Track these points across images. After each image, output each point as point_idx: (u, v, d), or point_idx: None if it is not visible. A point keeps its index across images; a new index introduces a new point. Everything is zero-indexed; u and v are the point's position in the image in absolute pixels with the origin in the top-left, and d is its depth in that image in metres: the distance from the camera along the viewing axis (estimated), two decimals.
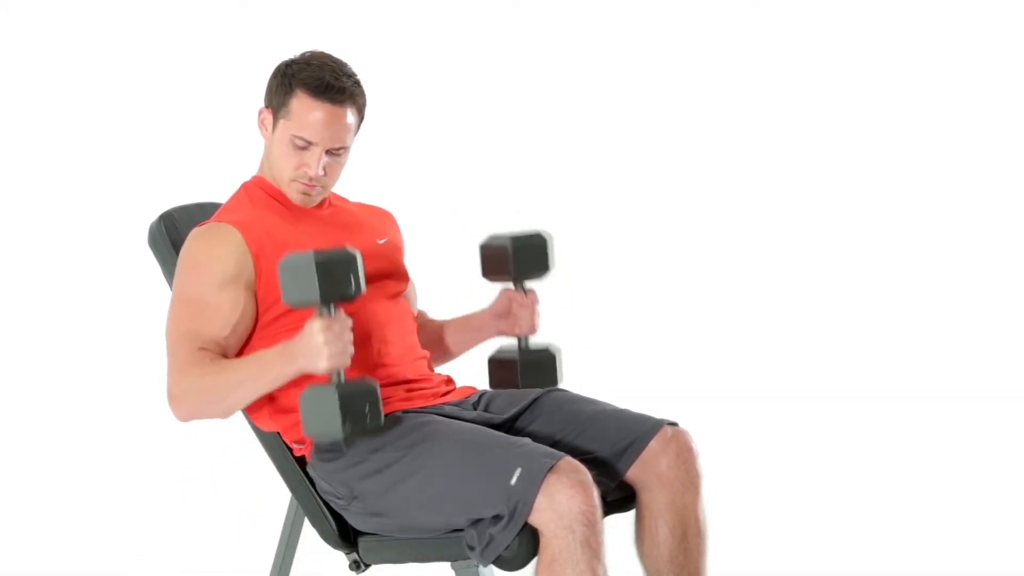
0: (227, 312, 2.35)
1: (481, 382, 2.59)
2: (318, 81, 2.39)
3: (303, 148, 2.41)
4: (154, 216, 2.57)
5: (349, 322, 2.24)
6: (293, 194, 2.46)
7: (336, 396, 2.17)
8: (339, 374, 2.21)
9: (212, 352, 2.34)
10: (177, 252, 2.48)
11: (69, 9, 4.25)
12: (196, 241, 2.40)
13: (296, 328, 2.35)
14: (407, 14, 4.54)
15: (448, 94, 4.59)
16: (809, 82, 4.69)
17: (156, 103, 4.29)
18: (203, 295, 2.35)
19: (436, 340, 2.69)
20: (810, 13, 4.67)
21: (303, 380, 2.36)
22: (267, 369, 2.29)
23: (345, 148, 2.44)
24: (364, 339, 2.42)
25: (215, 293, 2.35)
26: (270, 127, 2.45)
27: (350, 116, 2.42)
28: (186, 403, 2.33)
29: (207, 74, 4.28)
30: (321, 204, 2.53)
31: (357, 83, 2.44)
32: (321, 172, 2.41)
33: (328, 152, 2.41)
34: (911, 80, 4.68)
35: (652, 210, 4.67)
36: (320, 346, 2.20)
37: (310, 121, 2.39)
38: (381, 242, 2.57)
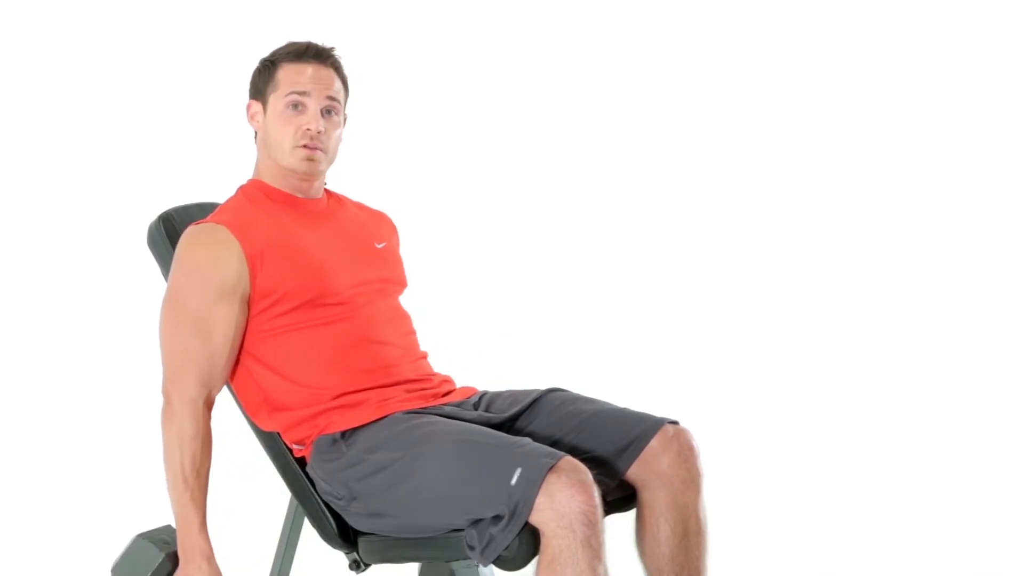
0: (223, 334, 2.37)
1: (481, 382, 2.59)
2: (299, 48, 2.49)
3: (299, 110, 2.46)
4: (153, 216, 2.57)
5: None
6: (296, 161, 2.47)
7: None
8: None
9: (210, 399, 2.39)
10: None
11: (69, 9, 4.25)
12: (193, 243, 2.40)
13: (295, 329, 2.39)
14: (407, 14, 4.54)
15: (449, 95, 4.59)
16: (809, 83, 4.69)
17: (156, 103, 4.29)
18: (199, 307, 2.36)
19: None
20: (810, 13, 4.67)
21: (298, 380, 2.37)
22: (179, 530, 2.40)
23: (338, 104, 2.50)
24: (364, 340, 2.42)
25: (211, 306, 2.36)
26: (261, 114, 2.50)
27: (336, 78, 2.50)
28: (175, 443, 2.38)
29: (207, 74, 4.28)
30: (319, 201, 2.54)
31: (338, 57, 2.52)
32: (320, 127, 2.44)
33: (323, 113, 2.46)
34: (910, 80, 4.68)
35: (652, 210, 4.67)
36: None
37: (299, 78, 2.47)
38: (380, 246, 2.58)
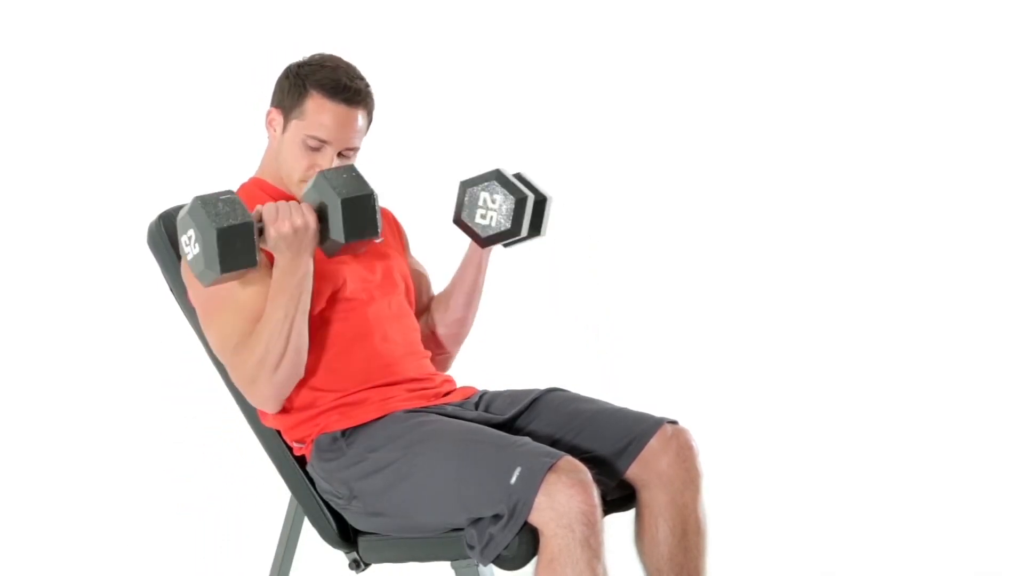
0: (261, 304, 2.33)
1: (481, 382, 2.59)
2: (333, 83, 2.41)
3: (315, 149, 2.42)
4: (153, 216, 2.57)
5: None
6: (301, 194, 2.46)
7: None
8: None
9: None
10: (177, 252, 2.47)
11: (69, 9, 4.25)
12: None
13: (311, 324, 2.36)
14: (408, 14, 4.54)
15: (451, 94, 4.58)
16: (808, 83, 4.68)
17: (156, 103, 4.28)
18: (231, 294, 2.34)
19: (447, 299, 2.68)
20: (811, 13, 4.67)
21: (303, 379, 2.37)
22: (278, 283, 2.27)
23: (355, 150, 2.46)
24: (366, 336, 2.43)
25: (241, 289, 2.34)
26: (279, 128, 2.46)
27: (361, 118, 2.44)
28: (259, 383, 2.32)
29: (207, 74, 4.27)
30: None
31: (369, 86, 2.47)
32: None
33: (339, 154, 2.43)
34: (913, 81, 4.68)
35: (652, 210, 4.67)
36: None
37: (325, 121, 2.41)
38: (379, 240, 2.58)
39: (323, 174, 2.27)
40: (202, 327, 2.40)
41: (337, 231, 2.25)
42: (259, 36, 4.27)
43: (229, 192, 2.21)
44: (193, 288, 2.40)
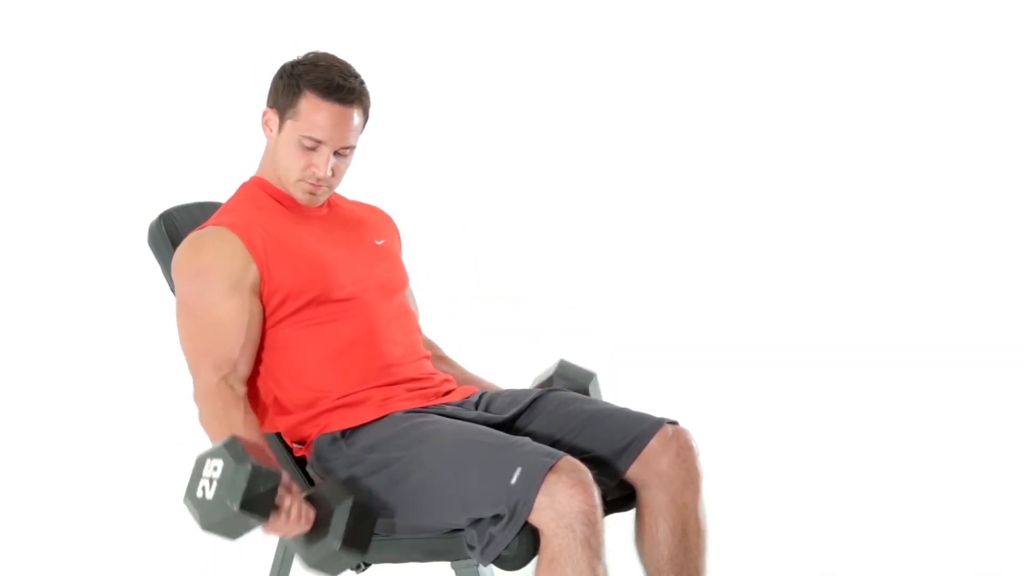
0: (237, 323, 2.35)
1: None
2: (327, 82, 2.39)
3: (311, 149, 2.41)
4: (154, 216, 2.57)
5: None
6: (299, 194, 2.46)
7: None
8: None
9: (232, 381, 2.35)
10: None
11: (70, 8, 4.25)
12: (194, 246, 2.40)
13: (299, 329, 2.38)
14: (409, 14, 4.54)
15: (454, 95, 4.59)
16: (808, 83, 4.69)
17: (156, 103, 4.29)
18: (211, 306, 2.34)
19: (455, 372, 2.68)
20: (811, 12, 4.67)
21: (302, 381, 2.37)
22: None
23: (352, 148, 2.45)
24: (366, 338, 2.42)
25: (223, 302, 2.34)
26: (275, 128, 2.45)
27: (357, 117, 2.43)
28: (206, 427, 2.36)
29: (207, 74, 4.28)
30: (322, 205, 2.54)
31: (363, 84, 2.45)
32: (329, 173, 2.42)
33: (335, 153, 2.42)
34: (912, 80, 4.68)
35: (653, 210, 4.67)
36: None
37: (319, 121, 2.39)
38: (379, 243, 2.58)
39: (340, 509, 2.20)
40: (176, 317, 2.40)
41: (310, 560, 2.24)
42: (258, 36, 4.27)
43: (275, 482, 2.16)
44: (181, 284, 2.40)
